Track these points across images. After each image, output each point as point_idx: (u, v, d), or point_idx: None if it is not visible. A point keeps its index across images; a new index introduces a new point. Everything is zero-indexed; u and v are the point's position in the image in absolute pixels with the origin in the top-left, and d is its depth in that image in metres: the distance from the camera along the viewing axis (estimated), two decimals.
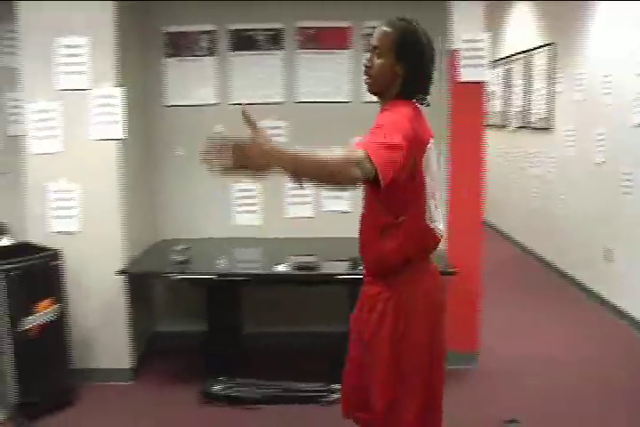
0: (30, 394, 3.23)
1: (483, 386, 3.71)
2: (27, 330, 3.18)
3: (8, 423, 3.19)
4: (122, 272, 3.55)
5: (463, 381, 3.72)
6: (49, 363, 3.32)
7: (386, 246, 1.97)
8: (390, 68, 1.94)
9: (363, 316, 2.06)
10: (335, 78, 4.08)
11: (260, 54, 4.15)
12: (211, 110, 4.13)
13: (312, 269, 3.42)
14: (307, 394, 3.48)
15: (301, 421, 3.11)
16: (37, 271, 3.25)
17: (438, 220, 2.04)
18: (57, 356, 3.37)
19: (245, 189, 4.12)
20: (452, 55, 3.71)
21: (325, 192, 4.13)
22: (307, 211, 4.22)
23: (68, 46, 3.56)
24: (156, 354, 4.11)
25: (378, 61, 1.96)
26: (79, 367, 3.60)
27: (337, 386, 3.47)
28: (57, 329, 3.34)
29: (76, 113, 3.58)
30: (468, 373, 3.84)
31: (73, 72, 3.57)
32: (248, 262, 4.01)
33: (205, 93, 4.16)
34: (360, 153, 1.64)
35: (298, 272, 3.40)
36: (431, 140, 1.99)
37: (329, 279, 3.51)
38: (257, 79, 4.15)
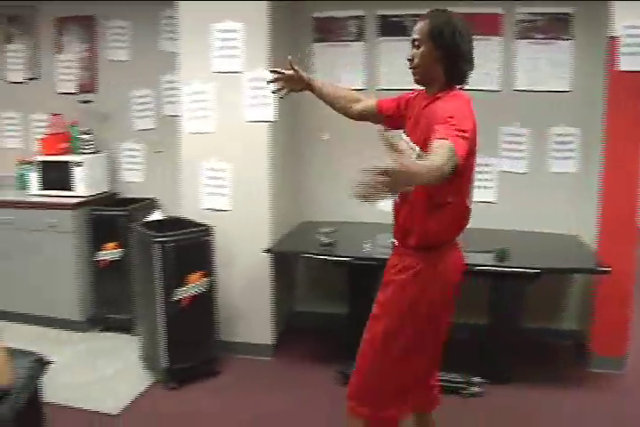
0: (180, 361, 3.44)
1: (631, 391, 3.49)
2: (178, 300, 3.37)
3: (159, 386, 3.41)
4: (268, 251, 3.67)
5: (611, 385, 3.53)
6: (197, 333, 3.50)
7: (433, 225, 2.10)
8: (429, 56, 2.10)
9: (393, 278, 2.21)
10: (484, 65, 3.96)
11: (408, 40, 4.10)
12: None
13: None
14: (447, 384, 3.42)
15: (441, 411, 3.08)
16: (190, 245, 3.43)
17: (470, 203, 2.18)
18: (205, 327, 3.55)
19: None
20: (612, 43, 3.47)
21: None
22: None
23: (224, 31, 3.71)
24: (295, 333, 4.21)
25: (418, 52, 2.13)
26: (224, 340, 3.77)
27: (478, 379, 3.41)
28: (206, 301, 3.51)
29: (228, 95, 3.73)
30: (617, 377, 3.63)
31: (227, 55, 3.73)
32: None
33: (353, 79, 4.18)
34: (450, 151, 1.76)
35: None
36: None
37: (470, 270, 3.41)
38: (404, 65, 4.10)
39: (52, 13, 4.75)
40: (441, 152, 1.74)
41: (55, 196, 4.33)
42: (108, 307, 4.24)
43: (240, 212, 3.76)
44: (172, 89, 4.34)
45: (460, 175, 1.92)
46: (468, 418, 3.13)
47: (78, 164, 4.29)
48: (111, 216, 4.17)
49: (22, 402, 2.34)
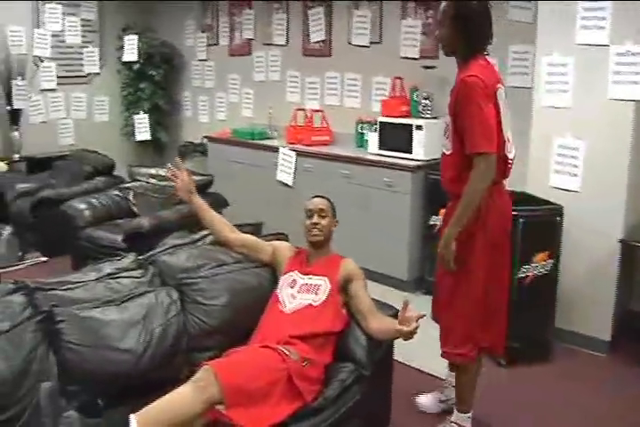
0: (510, 337, 3.46)
1: None
2: (522, 277, 3.42)
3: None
4: (622, 242, 3.52)
5: None
6: (535, 314, 3.52)
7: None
8: (451, 32, 2.55)
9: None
10: None
11: None
12: None
13: None
14: None
15: None
16: (540, 223, 3.45)
17: (511, 151, 2.68)
18: (542, 309, 3.56)
19: None
20: None
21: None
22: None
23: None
24: (631, 332, 3.94)
25: (442, 30, 2.59)
26: (557, 326, 3.72)
27: None
28: (547, 283, 3.52)
29: (590, 69, 3.58)
30: None
31: (592, 27, 3.55)
32: None
33: None
34: (481, 164, 2.45)
35: None
36: (499, 86, 2.59)
37: None
38: None
39: None
40: (471, 182, 2.47)
41: (392, 156, 4.61)
42: (434, 271, 4.44)
43: (591, 194, 3.63)
44: (521, 59, 4.30)
45: None
46: None
47: (418, 127, 4.50)
48: None
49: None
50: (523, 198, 3.63)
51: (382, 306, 2.75)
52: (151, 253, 2.95)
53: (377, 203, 4.61)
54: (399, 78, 4.91)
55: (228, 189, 5.16)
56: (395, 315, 2.60)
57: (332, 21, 5.54)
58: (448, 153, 2.66)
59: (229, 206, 4.98)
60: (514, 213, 3.33)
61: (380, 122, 4.74)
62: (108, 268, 2.75)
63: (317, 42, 5.64)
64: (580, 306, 3.75)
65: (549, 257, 3.46)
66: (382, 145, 4.72)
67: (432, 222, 4.34)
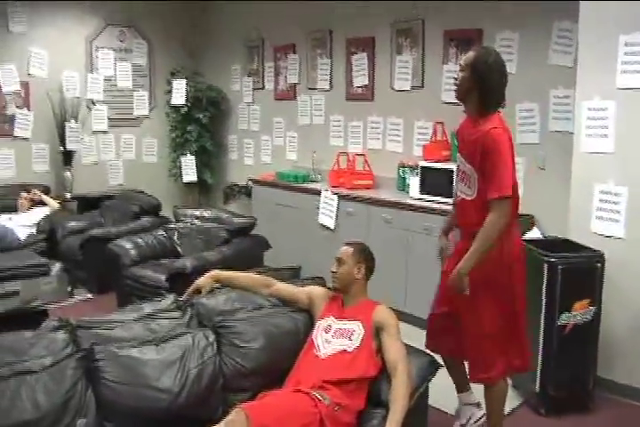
0: (553, 388, 3.46)
1: None
2: (561, 325, 3.39)
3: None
4: None
5: None
6: (575, 363, 3.47)
7: None
8: (468, 80, 2.75)
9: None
10: None
11: None
12: None
13: None
14: None
15: None
16: (579, 270, 3.42)
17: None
18: (583, 358, 3.50)
19: None
20: None
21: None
22: None
23: (630, 44, 3.56)
24: None
25: (461, 75, 2.78)
26: (599, 375, 3.64)
27: None
28: (588, 332, 3.46)
29: (632, 113, 3.59)
30: None
31: (633, 70, 3.56)
32: None
33: None
34: (499, 207, 2.66)
35: None
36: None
37: None
38: None
39: (441, 27, 5.07)
40: (488, 222, 2.66)
41: (434, 201, 4.66)
42: None
43: (635, 241, 3.59)
44: (562, 104, 4.34)
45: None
46: None
47: None
48: None
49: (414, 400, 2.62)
50: (562, 245, 3.64)
51: (416, 352, 2.77)
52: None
53: (417, 247, 4.64)
54: (440, 123, 4.99)
55: (270, 231, 5.27)
56: (428, 362, 2.67)
57: (374, 66, 5.68)
58: (470, 198, 2.82)
59: (271, 248, 5.09)
60: (552, 260, 3.37)
61: (422, 166, 4.80)
62: (147, 308, 2.85)
63: (360, 86, 5.79)
64: (624, 355, 3.68)
65: (590, 305, 3.42)
66: (423, 189, 4.77)
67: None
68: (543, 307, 3.40)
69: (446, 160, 4.78)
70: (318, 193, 5.46)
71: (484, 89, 2.74)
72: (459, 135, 3.00)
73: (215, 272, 3.05)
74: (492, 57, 2.78)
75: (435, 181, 4.70)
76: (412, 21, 5.28)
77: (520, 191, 4.49)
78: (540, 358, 3.43)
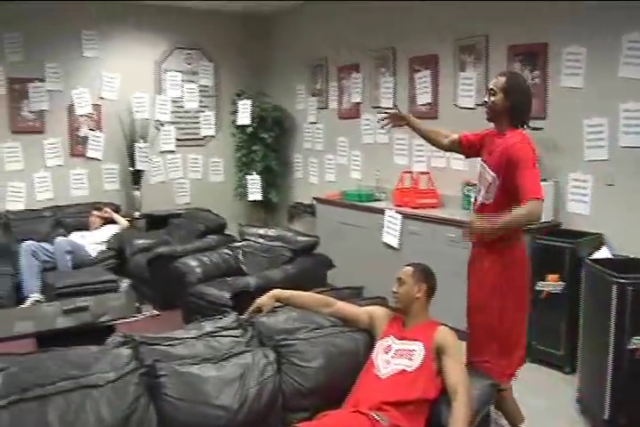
0: (623, 415, 3.32)
1: None
2: (632, 349, 3.27)
3: None
4: None
5: None
6: None
7: None
8: (501, 103, 2.97)
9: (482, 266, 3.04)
10: None
11: None
12: None
13: None
14: None
15: None
16: None
17: None
18: None
19: None
20: None
21: None
22: None
23: None
24: None
25: (492, 98, 2.99)
26: None
27: None
28: None
29: None
30: None
31: None
32: None
33: None
34: (534, 204, 2.72)
35: None
36: None
37: None
38: None
39: (505, 42, 5.02)
40: (523, 208, 2.73)
41: None
42: (540, 338, 4.30)
43: None
44: (633, 118, 4.22)
45: None
46: None
47: None
48: (555, 247, 4.21)
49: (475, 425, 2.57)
50: (633, 265, 3.52)
51: (478, 375, 2.73)
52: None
53: None
54: None
55: (334, 250, 5.28)
56: (489, 385, 2.64)
57: (437, 84, 5.67)
58: (488, 202, 3.01)
59: (335, 268, 5.09)
60: (622, 280, 3.27)
61: None
62: (209, 326, 2.88)
63: (424, 104, 5.78)
64: None
65: None
66: None
67: (539, 288, 4.21)
68: (612, 330, 3.28)
69: None
70: (382, 212, 5.46)
71: (516, 110, 2.98)
72: (485, 146, 3.14)
73: (276, 291, 3.07)
74: (521, 80, 3.09)
75: None
76: (476, 37, 5.25)
77: (587, 209, 4.53)
78: (608, 383, 3.31)
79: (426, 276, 2.87)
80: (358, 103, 6.58)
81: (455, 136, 3.36)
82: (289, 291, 3.08)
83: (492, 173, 2.98)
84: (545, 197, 2.79)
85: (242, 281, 4.68)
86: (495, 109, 3.00)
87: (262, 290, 4.24)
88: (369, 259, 5.54)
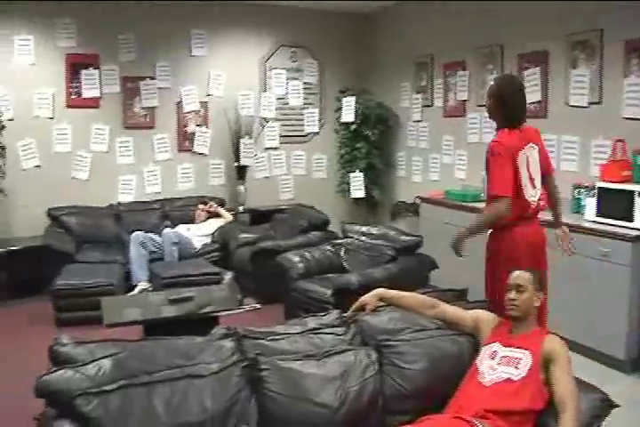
0: None
1: None
2: None
3: None
4: None
5: None
6: None
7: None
8: (494, 106, 3.35)
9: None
10: None
11: None
12: None
13: None
14: None
15: None
16: None
17: (534, 195, 3.37)
18: None
19: None
20: None
21: None
22: None
23: None
24: None
25: (489, 103, 3.38)
26: None
27: None
28: None
29: None
30: None
31: None
32: None
33: None
34: (498, 204, 3.20)
35: None
36: (526, 146, 3.34)
37: None
38: None
39: (621, 37, 4.74)
40: (494, 207, 3.23)
41: (611, 224, 4.35)
42: None
43: None
44: None
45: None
46: None
47: None
48: None
49: None
50: None
51: (588, 387, 2.58)
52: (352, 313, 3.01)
53: (592, 274, 4.34)
54: (621, 141, 4.66)
55: (437, 251, 5.14)
56: (601, 399, 2.48)
57: (547, 81, 5.45)
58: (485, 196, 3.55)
59: (437, 269, 4.99)
60: None
61: (599, 187, 4.50)
62: (312, 322, 2.88)
63: (533, 103, 5.56)
64: None
65: None
66: (600, 212, 4.47)
67: None
68: None
69: (626, 181, 4.44)
70: None
71: (505, 113, 3.34)
72: None
73: (380, 290, 3.03)
74: (507, 84, 3.40)
75: (613, 204, 4.39)
76: (590, 32, 5.00)
77: None
78: None
79: (543, 284, 2.76)
80: (464, 101, 6.43)
81: None
82: (393, 290, 3.03)
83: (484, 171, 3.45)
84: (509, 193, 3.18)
85: (344, 278, 4.66)
86: (489, 112, 3.43)
87: (364, 288, 4.27)
88: (474, 261, 5.34)
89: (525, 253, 3.27)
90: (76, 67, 6.64)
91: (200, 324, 3.65)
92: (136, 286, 5.71)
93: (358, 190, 6.81)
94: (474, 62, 6.26)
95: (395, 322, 2.90)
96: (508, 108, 3.32)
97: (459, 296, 3.37)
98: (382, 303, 3.00)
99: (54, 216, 6.39)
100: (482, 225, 3.33)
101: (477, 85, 6.22)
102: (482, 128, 6.13)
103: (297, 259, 5.15)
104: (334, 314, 2.99)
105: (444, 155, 6.78)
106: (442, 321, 2.89)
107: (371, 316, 2.95)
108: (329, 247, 5.40)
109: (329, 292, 4.61)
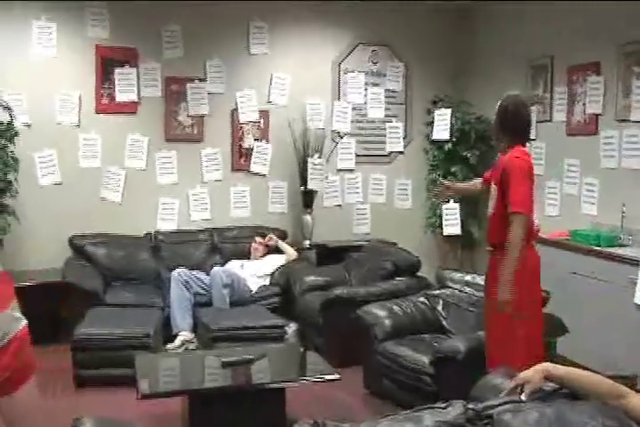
0: None
1: None
2: None
3: None
4: None
5: None
6: None
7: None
8: (498, 125, 3.97)
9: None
10: None
11: None
12: None
13: None
14: None
15: None
16: None
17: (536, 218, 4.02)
18: None
19: None
20: None
21: None
22: None
23: None
24: None
25: (494, 121, 4.03)
26: None
27: None
28: None
29: None
30: None
31: None
32: None
33: None
34: (517, 223, 3.67)
35: None
36: None
37: None
38: None
39: None
40: (511, 235, 3.69)
41: None
42: None
43: None
44: None
45: None
46: None
47: None
48: None
49: None
50: None
51: None
52: (485, 404, 2.56)
53: None
54: None
55: (564, 309, 4.63)
56: None
57: None
58: (492, 213, 3.91)
59: (568, 333, 4.48)
60: None
61: None
62: (428, 420, 2.41)
63: None
64: None
65: None
66: None
67: None
68: None
69: None
70: (633, 263, 4.72)
71: (512, 131, 3.87)
72: (493, 166, 4.09)
73: (548, 366, 2.53)
74: (511, 102, 3.90)
75: None
76: None
77: None
78: None
79: None
80: (596, 115, 5.92)
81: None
82: (564, 367, 2.53)
83: (494, 186, 3.88)
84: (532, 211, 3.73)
85: (447, 344, 4.26)
86: (494, 131, 4.06)
87: (472, 358, 3.86)
88: (615, 326, 4.79)
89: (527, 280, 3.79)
90: (108, 63, 6.51)
91: (259, 394, 3.76)
92: (176, 335, 5.51)
93: (453, 226, 6.42)
94: (613, 64, 5.73)
95: (547, 423, 2.37)
96: (518, 126, 3.91)
97: (625, 384, 2.84)
98: (549, 383, 2.52)
99: (77, 246, 6.25)
100: (516, 256, 3.67)
101: (617, 94, 5.67)
102: (621, 149, 5.58)
103: (383, 313, 4.79)
104: (458, 407, 2.50)
105: (566, 184, 6.27)
106: (631, 418, 2.36)
107: (512, 414, 2.44)
108: (422, 299, 5.05)
109: (426, 359, 4.25)
